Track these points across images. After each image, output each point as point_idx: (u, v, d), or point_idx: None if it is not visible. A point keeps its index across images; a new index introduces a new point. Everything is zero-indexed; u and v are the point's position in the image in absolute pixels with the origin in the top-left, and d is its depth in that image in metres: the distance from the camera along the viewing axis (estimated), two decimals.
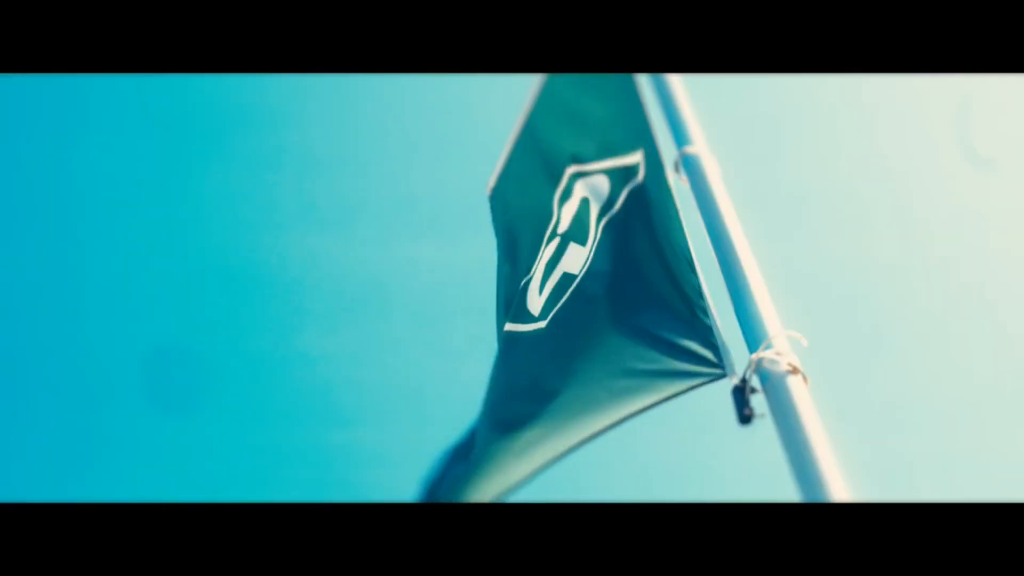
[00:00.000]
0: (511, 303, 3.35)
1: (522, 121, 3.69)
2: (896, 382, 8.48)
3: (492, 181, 3.71)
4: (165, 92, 9.44)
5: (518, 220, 3.59)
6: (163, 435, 8.34)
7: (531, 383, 2.96)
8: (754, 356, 2.70)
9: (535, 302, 3.25)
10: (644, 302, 3.03)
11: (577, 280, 3.19)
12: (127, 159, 9.45)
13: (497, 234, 3.58)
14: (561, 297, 3.18)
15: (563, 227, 3.43)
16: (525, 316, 3.23)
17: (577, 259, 3.26)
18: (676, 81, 3.32)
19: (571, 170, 3.52)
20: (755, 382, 2.71)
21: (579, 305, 3.11)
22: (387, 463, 7.86)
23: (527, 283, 3.36)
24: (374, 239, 9.14)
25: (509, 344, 3.17)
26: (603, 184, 3.39)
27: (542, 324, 3.14)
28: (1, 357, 8.76)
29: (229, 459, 8.26)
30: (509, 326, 3.22)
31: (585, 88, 3.64)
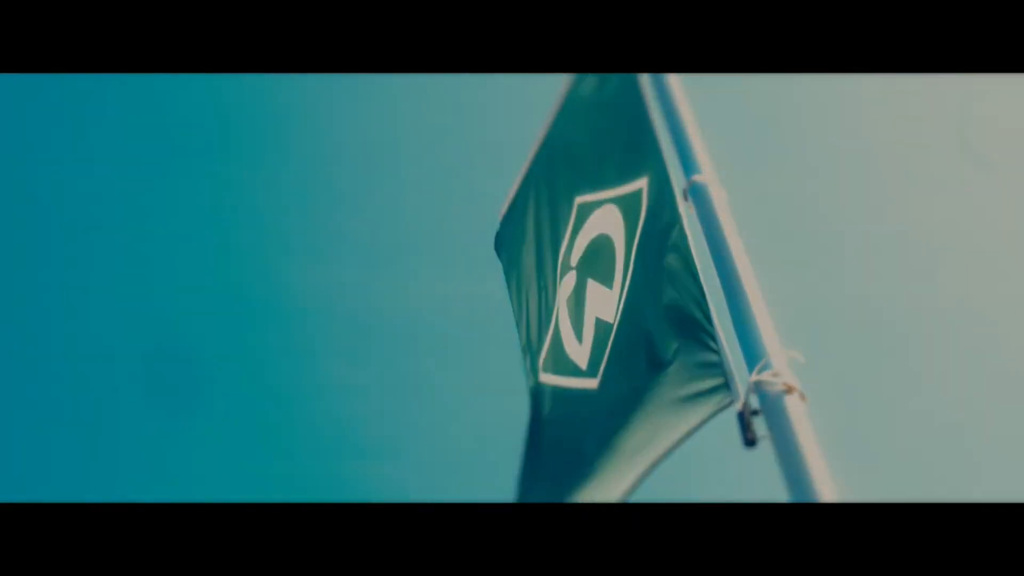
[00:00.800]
0: (537, 340, 3.39)
1: (536, 147, 3.75)
2: (896, 396, 8.46)
3: (504, 208, 3.76)
4: (209, 103, 9.54)
5: (529, 247, 3.64)
6: (182, 451, 8.38)
7: (590, 445, 3.03)
8: (752, 377, 2.74)
9: (577, 352, 3.30)
10: (660, 334, 3.08)
11: (615, 330, 3.23)
12: (159, 192, 9.55)
13: (501, 257, 3.63)
14: (604, 349, 3.22)
15: (575, 259, 3.46)
16: (569, 368, 3.29)
17: (607, 304, 3.30)
18: (685, 110, 3.38)
19: (579, 200, 3.57)
20: (756, 403, 2.76)
21: (622, 360, 3.16)
22: (399, 496, 7.87)
23: (555, 325, 3.40)
24: (406, 273, 9.19)
25: (557, 401, 3.23)
26: (615, 216, 3.43)
27: (592, 383, 3.19)
28: (30, 375, 8.86)
29: (242, 482, 8.29)
30: (552, 379, 3.26)
31: (595, 115, 3.69)
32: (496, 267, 3.81)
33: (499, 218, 3.78)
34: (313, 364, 9.17)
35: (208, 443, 8.64)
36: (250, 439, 8.79)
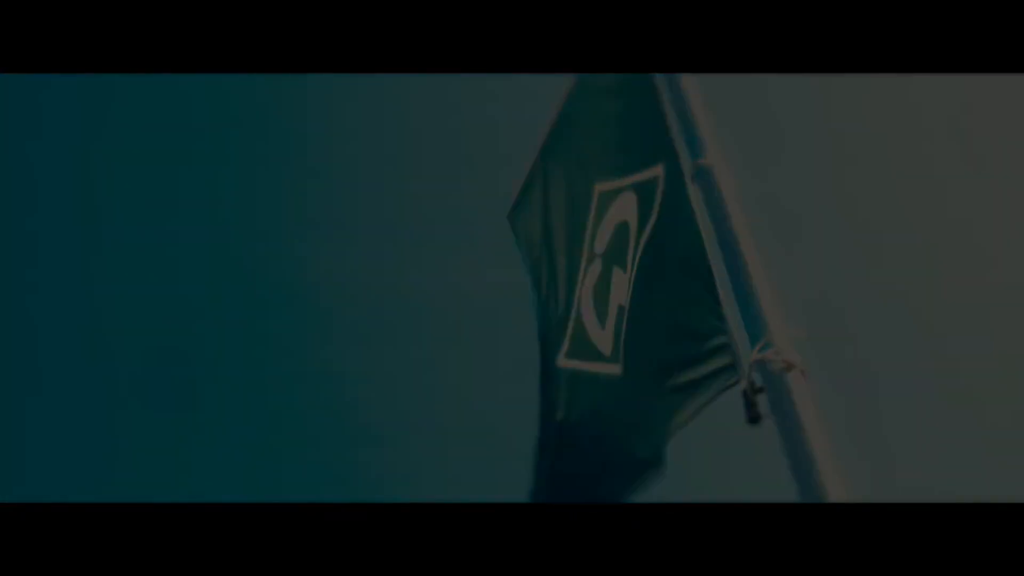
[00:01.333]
0: (556, 327, 3.43)
1: (545, 136, 3.78)
2: (902, 374, 8.48)
3: (515, 195, 3.79)
4: (210, 99, 9.56)
5: (546, 235, 3.67)
6: (187, 443, 8.39)
7: (618, 430, 3.13)
8: (754, 355, 2.78)
9: (601, 338, 3.35)
10: (671, 317, 3.13)
11: (627, 312, 3.28)
12: (167, 175, 9.56)
13: (520, 247, 3.66)
14: (621, 334, 3.27)
15: (600, 247, 3.51)
16: (592, 353, 3.33)
17: (622, 288, 3.35)
18: (693, 94, 3.41)
19: (599, 187, 3.60)
20: (759, 381, 2.78)
21: (635, 342, 3.22)
22: (409, 484, 7.87)
23: (578, 311, 3.44)
24: (414, 258, 9.19)
25: (578, 383, 3.26)
26: (632, 203, 3.47)
27: (616, 369, 3.24)
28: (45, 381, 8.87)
29: (249, 470, 8.29)
30: (572, 363, 3.30)
31: (608, 103, 3.72)
32: (503, 255, 3.83)
33: (511, 204, 3.81)
34: (314, 360, 9.17)
35: (211, 439, 8.66)
36: (252, 435, 8.80)
